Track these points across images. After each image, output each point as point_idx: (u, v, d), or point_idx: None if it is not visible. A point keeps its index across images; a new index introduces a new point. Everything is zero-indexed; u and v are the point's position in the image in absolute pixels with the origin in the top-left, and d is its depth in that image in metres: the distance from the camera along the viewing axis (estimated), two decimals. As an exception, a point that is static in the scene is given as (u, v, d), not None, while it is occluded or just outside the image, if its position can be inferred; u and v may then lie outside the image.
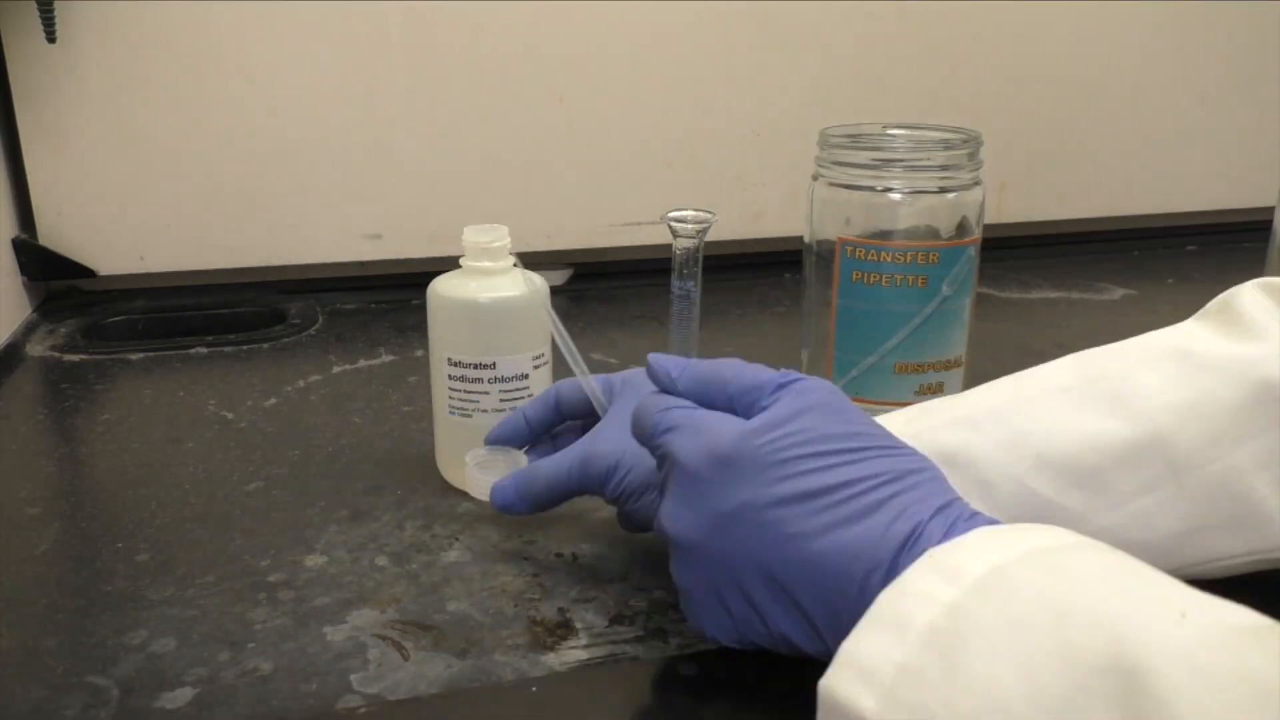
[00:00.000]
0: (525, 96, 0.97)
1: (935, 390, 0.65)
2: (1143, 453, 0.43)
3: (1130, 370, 0.45)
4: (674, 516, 0.41)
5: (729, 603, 0.40)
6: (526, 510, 0.52)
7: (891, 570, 0.36)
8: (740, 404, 0.42)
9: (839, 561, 0.37)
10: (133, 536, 0.55)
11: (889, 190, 0.63)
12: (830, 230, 0.65)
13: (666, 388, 0.44)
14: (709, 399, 0.43)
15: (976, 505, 0.39)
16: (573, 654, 0.45)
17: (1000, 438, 0.45)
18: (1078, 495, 0.44)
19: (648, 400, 0.44)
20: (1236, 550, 0.44)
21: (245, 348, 0.85)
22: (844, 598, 0.37)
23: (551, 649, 0.46)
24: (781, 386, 0.41)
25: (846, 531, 0.37)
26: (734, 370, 0.43)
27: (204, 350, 0.84)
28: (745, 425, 0.40)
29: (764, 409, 0.41)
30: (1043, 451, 0.44)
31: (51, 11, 0.83)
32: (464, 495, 0.58)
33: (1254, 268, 0.84)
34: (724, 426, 0.40)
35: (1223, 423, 0.42)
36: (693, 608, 0.42)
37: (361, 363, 0.82)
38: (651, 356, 0.45)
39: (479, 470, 0.54)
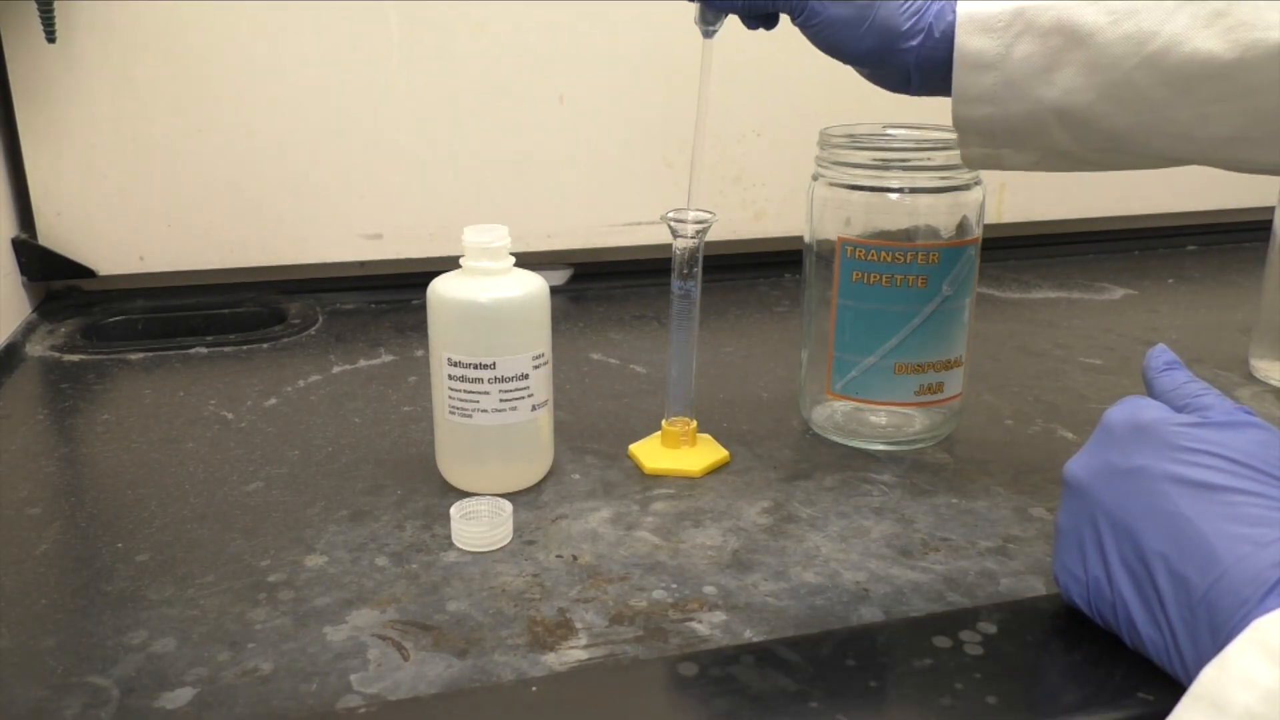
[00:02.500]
0: (525, 96, 0.97)
1: (935, 390, 0.65)
2: (1228, 73, 0.49)
3: (1256, 3, 0.49)
4: (1075, 459, 0.46)
5: (1087, 555, 0.44)
6: (719, 2, 0.56)
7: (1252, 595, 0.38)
8: (1190, 407, 0.46)
9: (1210, 545, 0.39)
10: (133, 536, 0.55)
11: (889, 190, 0.63)
12: (830, 230, 0.65)
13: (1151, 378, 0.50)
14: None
15: (1078, 79, 0.50)
16: (573, 654, 0.45)
17: (1128, 31, 0.50)
18: (1165, 91, 0.50)
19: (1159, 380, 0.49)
20: (1259, 159, 0.52)
21: (245, 348, 0.85)
22: (1193, 586, 0.39)
23: (551, 649, 0.46)
24: (1233, 411, 0.44)
25: (1229, 527, 0.39)
26: (1204, 387, 0.47)
27: (204, 350, 0.84)
28: (1174, 414, 0.44)
29: (1201, 412, 0.44)
30: (1154, 54, 0.49)
31: (51, 11, 0.83)
32: (464, 495, 0.58)
33: (1254, 268, 0.84)
34: (1155, 406, 0.45)
35: None
36: (1057, 552, 0.47)
37: (361, 363, 0.82)
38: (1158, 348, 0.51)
39: (464, 521, 0.54)
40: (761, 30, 0.59)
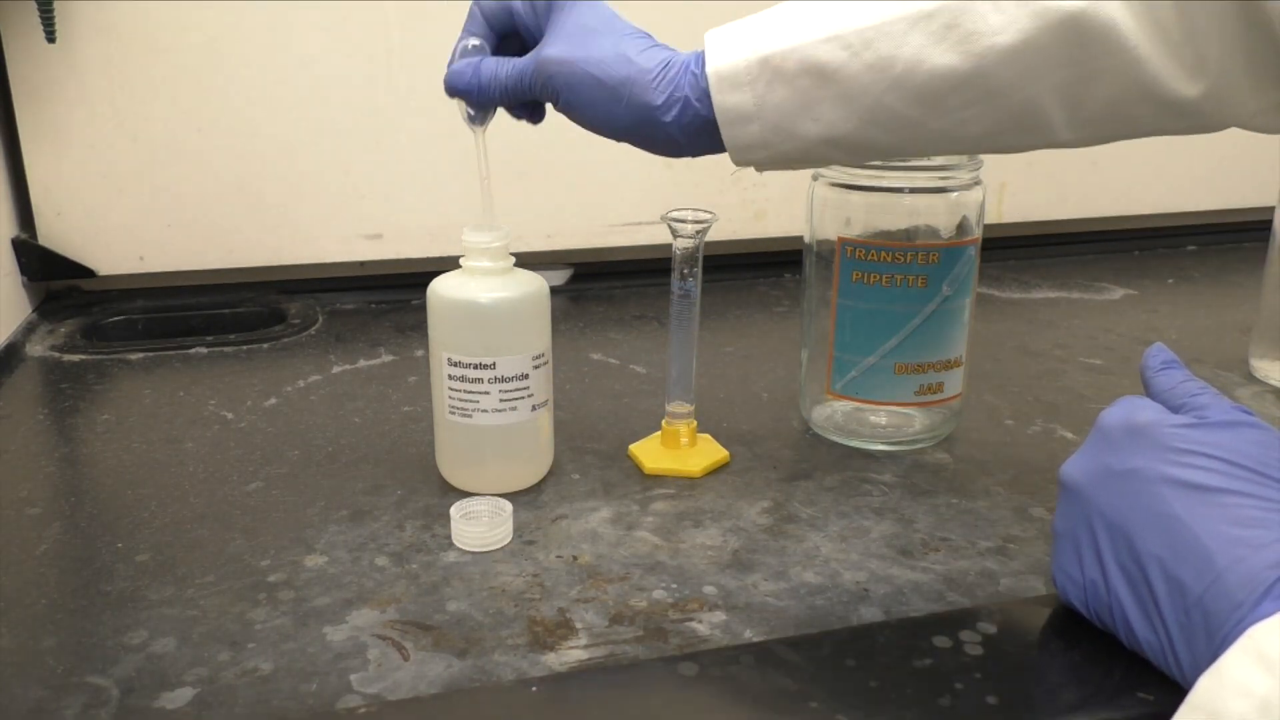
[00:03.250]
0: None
1: (935, 390, 0.65)
2: (970, 82, 0.51)
3: (976, 8, 0.50)
4: (1070, 461, 0.46)
5: (1084, 558, 0.44)
6: (478, 99, 0.56)
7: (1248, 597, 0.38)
8: (1188, 407, 0.46)
9: (1205, 548, 0.39)
10: (133, 536, 0.55)
11: (889, 190, 0.63)
12: (830, 230, 0.65)
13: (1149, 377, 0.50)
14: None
15: (835, 113, 0.52)
16: (573, 654, 0.45)
17: (869, 61, 0.51)
18: (918, 110, 0.52)
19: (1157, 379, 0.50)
20: (1023, 145, 0.55)
21: (245, 348, 0.85)
22: (1188, 590, 0.39)
23: (551, 649, 0.46)
24: (1229, 410, 0.44)
25: (1224, 529, 0.39)
26: (1201, 386, 0.47)
27: (204, 350, 0.84)
28: (1170, 415, 0.44)
29: (1198, 412, 0.44)
30: (899, 79, 0.51)
31: (51, 11, 0.83)
32: (464, 495, 0.58)
33: (1254, 268, 0.84)
34: (1150, 407, 0.45)
35: (1036, 61, 0.50)
36: (1054, 555, 0.47)
37: (361, 363, 0.82)
38: (1156, 346, 0.51)
39: (464, 521, 0.54)
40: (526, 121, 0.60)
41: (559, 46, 0.54)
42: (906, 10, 0.51)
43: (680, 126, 0.54)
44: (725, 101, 0.53)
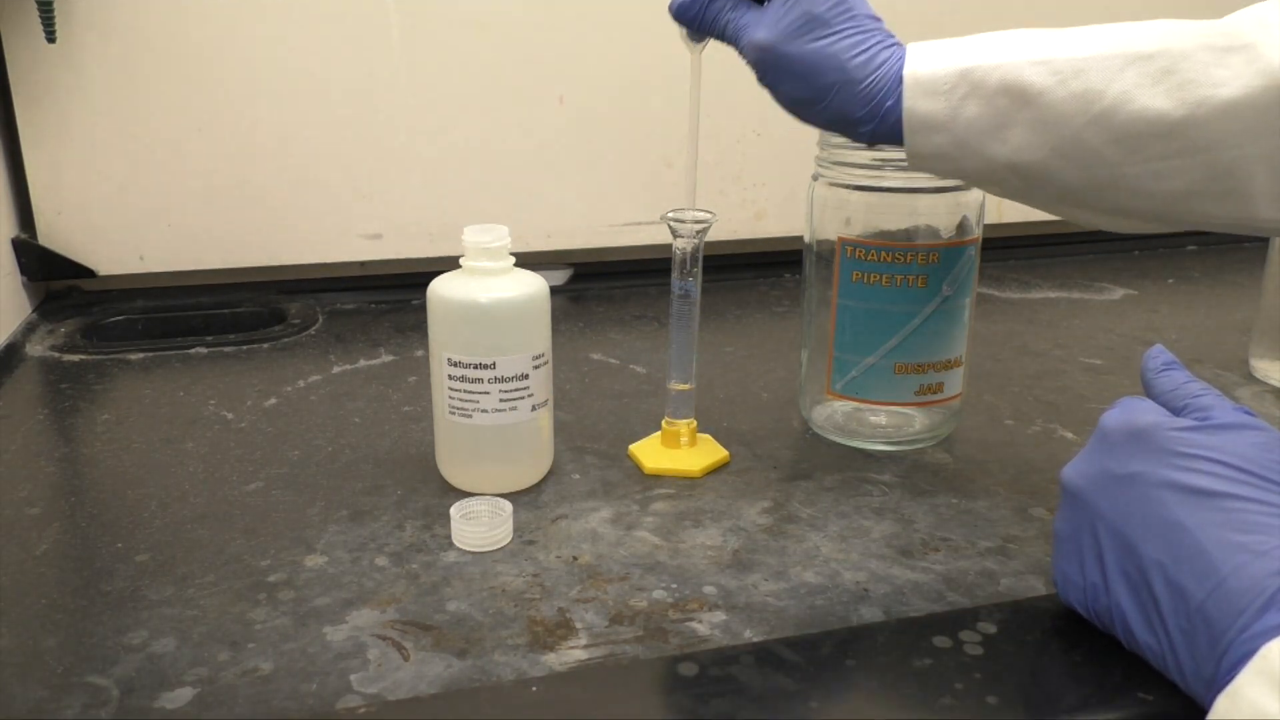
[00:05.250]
0: (525, 96, 0.97)
1: (935, 390, 0.65)
2: (1177, 131, 0.49)
3: (1198, 58, 0.49)
4: (1071, 464, 0.46)
5: (1085, 561, 0.44)
6: (695, 35, 0.58)
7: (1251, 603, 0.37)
8: (1190, 408, 0.45)
9: (1207, 554, 0.39)
10: (133, 536, 0.55)
11: (889, 190, 0.63)
12: (830, 230, 0.65)
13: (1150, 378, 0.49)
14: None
15: (1027, 138, 0.50)
16: (573, 654, 0.45)
17: (1075, 90, 0.50)
18: (1115, 149, 0.50)
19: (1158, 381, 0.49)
20: (1217, 214, 0.52)
21: (245, 348, 0.85)
22: (1190, 596, 0.39)
23: (551, 649, 0.46)
24: (1232, 412, 0.44)
25: (1226, 534, 0.39)
26: (1204, 387, 0.46)
27: (204, 350, 0.84)
28: (1171, 418, 0.44)
29: (1200, 414, 0.44)
30: (1102, 113, 0.50)
31: (51, 11, 0.83)
32: (464, 495, 0.58)
33: (1254, 268, 0.84)
34: (1152, 410, 0.45)
35: (1252, 122, 0.48)
36: (1055, 558, 0.47)
37: (361, 363, 0.82)
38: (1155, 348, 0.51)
39: (464, 521, 0.54)
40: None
41: (773, 32, 0.53)
42: (1124, 48, 0.50)
43: (872, 135, 0.54)
44: (916, 107, 0.52)
